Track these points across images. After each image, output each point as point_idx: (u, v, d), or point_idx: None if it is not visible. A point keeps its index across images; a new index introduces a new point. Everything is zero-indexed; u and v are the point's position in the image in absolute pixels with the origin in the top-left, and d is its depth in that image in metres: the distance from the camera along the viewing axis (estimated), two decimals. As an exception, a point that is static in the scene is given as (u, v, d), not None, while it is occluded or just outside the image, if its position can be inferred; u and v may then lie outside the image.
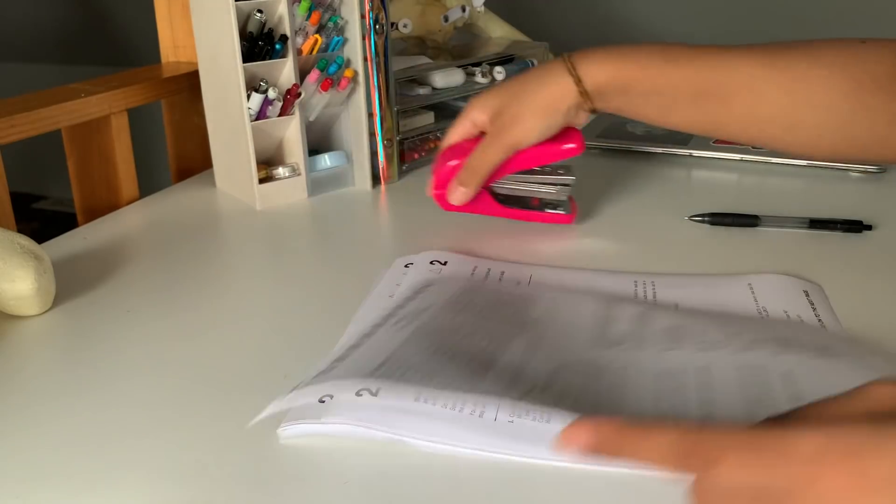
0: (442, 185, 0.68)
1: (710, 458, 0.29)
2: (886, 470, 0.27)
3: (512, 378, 0.43)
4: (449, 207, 0.69)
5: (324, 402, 0.44)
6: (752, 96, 0.59)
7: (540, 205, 0.71)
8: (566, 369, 0.44)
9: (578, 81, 0.61)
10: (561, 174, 0.70)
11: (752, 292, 0.56)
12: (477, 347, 0.45)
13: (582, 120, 0.65)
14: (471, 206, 0.69)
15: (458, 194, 0.66)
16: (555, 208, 0.71)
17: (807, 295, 0.55)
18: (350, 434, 0.42)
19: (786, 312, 0.53)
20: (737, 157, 0.87)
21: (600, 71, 0.61)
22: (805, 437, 0.28)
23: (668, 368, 0.45)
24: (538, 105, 0.62)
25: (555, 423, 0.38)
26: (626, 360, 0.46)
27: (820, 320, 0.52)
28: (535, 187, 0.70)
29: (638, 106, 0.63)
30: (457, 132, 0.67)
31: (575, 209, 0.71)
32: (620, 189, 0.79)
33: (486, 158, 0.64)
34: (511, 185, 0.70)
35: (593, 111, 0.64)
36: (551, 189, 0.70)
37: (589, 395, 0.42)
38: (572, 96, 0.62)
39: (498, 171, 0.66)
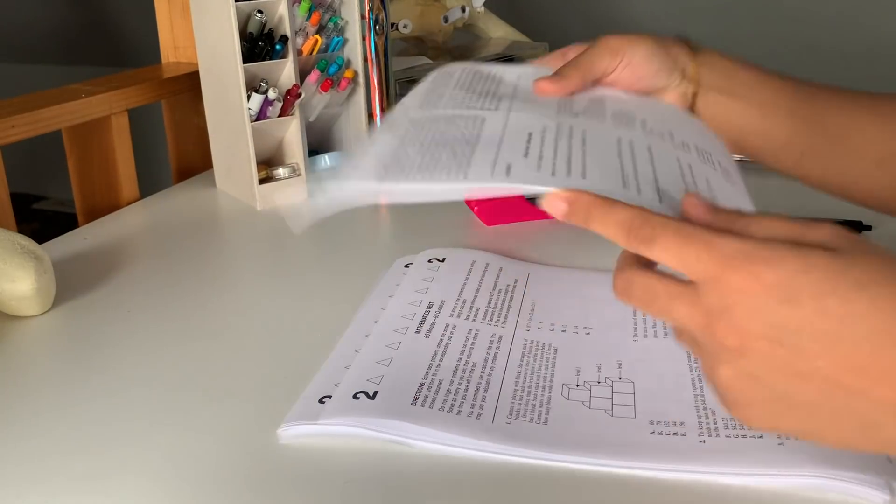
0: (482, 200, 0.71)
1: (648, 238, 0.33)
2: (774, 277, 0.30)
3: (497, 142, 0.41)
4: (491, 222, 0.72)
5: (323, 402, 0.44)
6: (846, 145, 0.56)
7: None
8: (546, 131, 0.44)
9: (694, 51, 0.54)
10: None
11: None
12: (457, 131, 0.43)
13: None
14: (513, 217, 0.72)
15: (554, 86, 0.52)
16: None
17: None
18: (349, 435, 0.42)
19: None
20: (736, 157, 0.86)
21: (709, 55, 0.55)
22: (727, 241, 0.32)
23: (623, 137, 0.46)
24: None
25: (550, 424, 0.36)
26: (587, 124, 0.47)
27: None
28: None
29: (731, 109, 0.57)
30: (600, 60, 0.53)
31: None
32: (620, 189, 0.79)
33: (597, 62, 0.52)
34: None
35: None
36: None
37: (565, 151, 0.41)
38: (682, 58, 0.54)
39: None
